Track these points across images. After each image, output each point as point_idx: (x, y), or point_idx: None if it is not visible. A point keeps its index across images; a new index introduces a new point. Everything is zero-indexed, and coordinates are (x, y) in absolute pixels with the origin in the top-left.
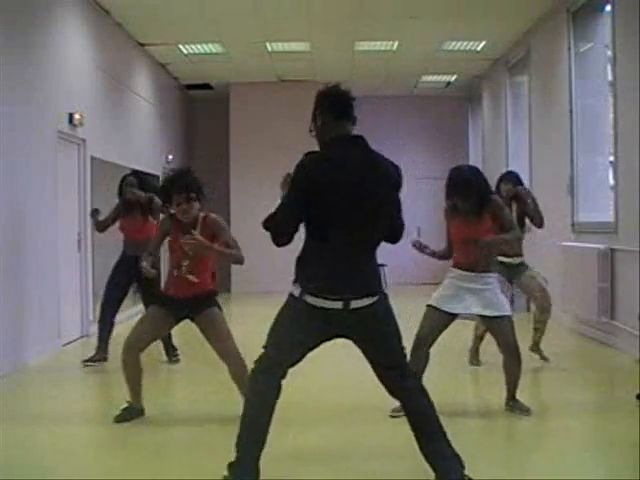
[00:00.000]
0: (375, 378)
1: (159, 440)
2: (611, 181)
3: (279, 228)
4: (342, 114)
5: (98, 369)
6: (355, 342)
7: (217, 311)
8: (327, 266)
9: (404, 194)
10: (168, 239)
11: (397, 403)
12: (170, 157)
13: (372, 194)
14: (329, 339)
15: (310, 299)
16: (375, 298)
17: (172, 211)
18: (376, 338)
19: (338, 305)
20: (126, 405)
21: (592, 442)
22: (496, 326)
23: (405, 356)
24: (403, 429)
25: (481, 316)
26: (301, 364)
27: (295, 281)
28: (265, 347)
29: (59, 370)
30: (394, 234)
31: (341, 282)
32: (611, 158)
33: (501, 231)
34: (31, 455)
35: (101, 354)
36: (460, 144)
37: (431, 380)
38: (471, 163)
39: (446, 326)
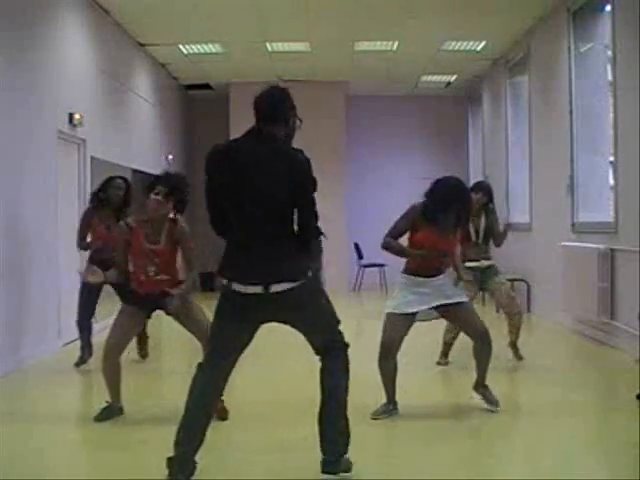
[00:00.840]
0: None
1: (159, 440)
2: (611, 181)
3: (211, 219)
4: (266, 119)
5: (95, 370)
6: (285, 323)
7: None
8: (239, 254)
9: (404, 194)
10: (130, 245)
11: (377, 406)
12: (170, 157)
13: (268, 185)
14: (262, 323)
15: (235, 286)
16: (296, 283)
17: (128, 220)
18: (303, 320)
19: (258, 289)
20: (106, 405)
21: (592, 442)
22: (458, 313)
23: (336, 334)
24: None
25: (440, 308)
26: (291, 364)
27: (219, 271)
28: (209, 342)
29: (59, 370)
30: (304, 235)
31: (254, 268)
32: (611, 158)
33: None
34: (31, 455)
35: (87, 355)
36: (460, 144)
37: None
38: (471, 163)
39: (409, 328)
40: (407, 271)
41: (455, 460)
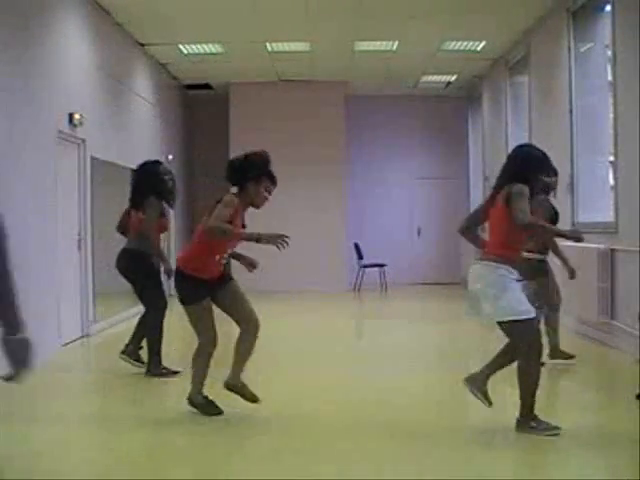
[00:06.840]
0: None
1: (157, 441)
2: (611, 181)
3: None
4: None
5: (95, 370)
6: None
7: (235, 282)
8: None
9: (404, 194)
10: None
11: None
12: (170, 157)
13: None
14: None
15: None
16: None
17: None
18: None
19: None
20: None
21: (592, 442)
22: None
23: None
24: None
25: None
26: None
27: None
28: None
29: (59, 370)
30: None
31: None
32: (611, 158)
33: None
34: (30, 455)
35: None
36: (460, 144)
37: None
38: (471, 163)
39: None
40: (509, 261)
41: (464, 457)
